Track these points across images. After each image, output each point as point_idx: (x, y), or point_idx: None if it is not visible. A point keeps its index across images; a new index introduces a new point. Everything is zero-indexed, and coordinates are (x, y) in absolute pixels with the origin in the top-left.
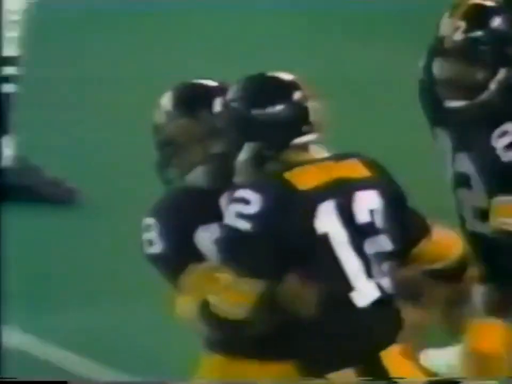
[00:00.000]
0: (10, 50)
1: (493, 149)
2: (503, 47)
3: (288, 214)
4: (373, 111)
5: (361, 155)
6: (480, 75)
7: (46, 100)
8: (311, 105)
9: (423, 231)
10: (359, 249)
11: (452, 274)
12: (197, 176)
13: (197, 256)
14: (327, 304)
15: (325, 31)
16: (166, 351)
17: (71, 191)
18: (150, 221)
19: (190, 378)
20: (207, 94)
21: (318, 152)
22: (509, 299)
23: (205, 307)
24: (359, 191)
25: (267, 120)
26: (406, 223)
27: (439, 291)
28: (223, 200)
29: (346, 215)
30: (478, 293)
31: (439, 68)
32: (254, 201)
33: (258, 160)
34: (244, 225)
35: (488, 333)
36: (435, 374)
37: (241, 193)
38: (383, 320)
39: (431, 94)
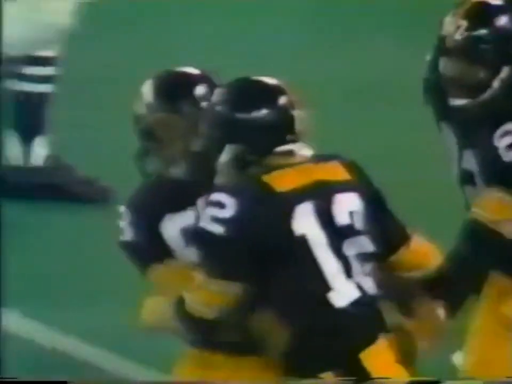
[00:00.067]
0: (48, 51)
1: (495, 149)
2: (505, 46)
3: (265, 217)
4: (375, 111)
5: (341, 157)
6: (482, 74)
7: (80, 100)
8: (297, 113)
9: (403, 238)
10: (338, 250)
11: (428, 285)
12: (176, 171)
13: (163, 245)
14: (306, 305)
15: (324, 30)
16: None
17: (104, 191)
18: (122, 209)
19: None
20: (189, 83)
21: (303, 154)
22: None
23: (180, 305)
24: (339, 193)
25: (251, 124)
26: (386, 227)
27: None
28: (200, 199)
29: (325, 216)
30: None
31: (443, 66)
32: (229, 205)
33: (240, 163)
34: (218, 229)
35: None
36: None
37: (217, 196)
38: (363, 321)
39: (436, 91)
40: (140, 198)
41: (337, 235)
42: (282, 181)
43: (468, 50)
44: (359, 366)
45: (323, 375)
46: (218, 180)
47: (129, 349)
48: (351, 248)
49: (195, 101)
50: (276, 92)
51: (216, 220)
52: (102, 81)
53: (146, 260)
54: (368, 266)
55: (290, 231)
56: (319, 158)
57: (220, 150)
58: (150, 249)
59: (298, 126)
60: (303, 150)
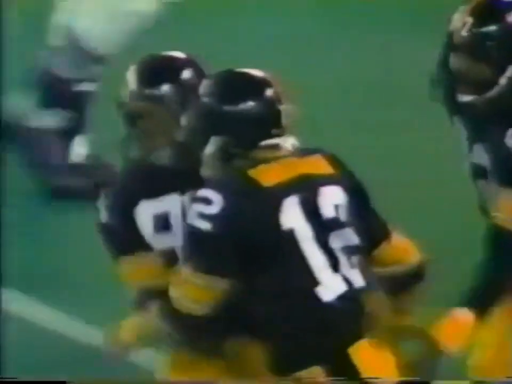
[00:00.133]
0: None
1: (508, 148)
2: None
3: (252, 212)
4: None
5: (323, 150)
6: (489, 71)
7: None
8: (284, 108)
9: (384, 232)
10: (324, 243)
11: (406, 282)
12: (157, 158)
13: (135, 230)
14: (294, 300)
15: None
16: None
17: None
18: (102, 192)
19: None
20: (174, 67)
21: (287, 147)
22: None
23: (167, 303)
24: (323, 187)
25: (237, 117)
26: (368, 220)
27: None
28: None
29: (311, 210)
30: None
31: (451, 62)
32: (215, 202)
33: (225, 155)
34: (205, 225)
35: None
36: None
37: (203, 193)
38: (351, 314)
39: (445, 86)
40: (118, 182)
41: (323, 228)
42: (268, 176)
43: (474, 47)
44: (347, 361)
45: (311, 369)
46: (204, 171)
47: None
48: (337, 241)
49: (179, 86)
50: (262, 84)
51: (203, 216)
52: None
53: (118, 245)
54: (354, 259)
55: (278, 226)
56: (303, 152)
57: (205, 142)
58: (123, 234)
59: (284, 120)
60: (288, 144)
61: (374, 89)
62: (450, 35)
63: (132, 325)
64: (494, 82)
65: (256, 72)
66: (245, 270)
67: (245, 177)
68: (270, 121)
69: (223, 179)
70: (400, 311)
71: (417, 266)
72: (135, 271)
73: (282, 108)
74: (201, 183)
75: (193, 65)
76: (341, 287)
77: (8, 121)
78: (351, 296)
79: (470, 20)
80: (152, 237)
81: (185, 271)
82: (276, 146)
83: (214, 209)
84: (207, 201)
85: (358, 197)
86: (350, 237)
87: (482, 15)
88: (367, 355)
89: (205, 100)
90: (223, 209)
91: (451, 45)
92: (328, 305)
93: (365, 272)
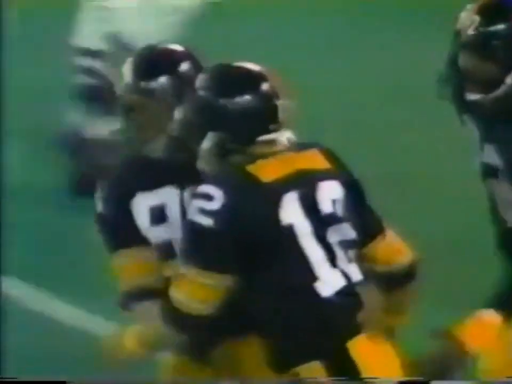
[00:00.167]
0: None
1: None
2: None
3: (253, 207)
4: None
5: (319, 145)
6: (496, 70)
7: None
8: (281, 103)
9: (379, 227)
10: (322, 238)
11: (398, 281)
12: (153, 151)
13: (131, 222)
14: (292, 295)
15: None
16: None
17: None
18: (98, 183)
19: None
20: (170, 60)
21: (284, 142)
22: None
23: (169, 303)
24: (321, 181)
25: (234, 111)
26: (364, 215)
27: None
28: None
29: (310, 205)
30: None
31: (459, 61)
32: (217, 197)
33: (221, 151)
34: (207, 221)
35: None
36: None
37: (204, 188)
38: (349, 309)
39: (454, 84)
40: (115, 173)
41: (321, 223)
42: (267, 171)
43: (481, 46)
44: (346, 356)
45: (310, 364)
46: (200, 166)
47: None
48: (334, 236)
49: (177, 79)
50: (258, 78)
51: (204, 212)
52: None
53: (114, 237)
54: (351, 253)
55: (277, 222)
56: (299, 146)
57: (201, 136)
58: (119, 226)
59: (281, 115)
60: (285, 138)
61: (374, 89)
62: (457, 33)
63: (134, 332)
64: (501, 81)
65: (253, 66)
66: (245, 266)
67: (244, 173)
68: (267, 116)
69: (223, 175)
70: (392, 310)
71: (408, 266)
72: (130, 266)
73: (279, 102)
74: (197, 176)
75: (191, 58)
76: (340, 282)
77: (63, 131)
78: (349, 291)
79: (477, 19)
80: (148, 229)
81: (189, 271)
82: (272, 142)
83: (215, 205)
84: (208, 197)
85: (354, 191)
86: (347, 231)
87: (489, 14)
88: (366, 350)
89: (201, 93)
90: (225, 205)
91: (458, 43)
92: (327, 301)
93: (360, 266)
